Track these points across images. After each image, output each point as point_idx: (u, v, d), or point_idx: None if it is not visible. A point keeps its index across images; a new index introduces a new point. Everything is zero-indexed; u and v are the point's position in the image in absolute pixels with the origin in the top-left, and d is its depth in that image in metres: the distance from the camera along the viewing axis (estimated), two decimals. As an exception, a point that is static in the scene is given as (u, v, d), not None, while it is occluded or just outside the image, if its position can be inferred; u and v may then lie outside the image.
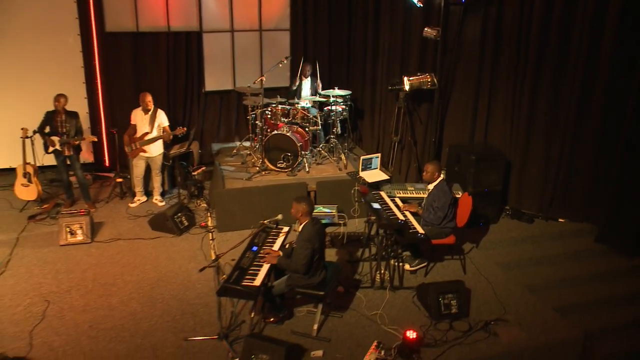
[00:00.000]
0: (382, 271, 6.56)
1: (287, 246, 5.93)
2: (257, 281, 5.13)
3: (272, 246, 5.75)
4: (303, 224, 5.53)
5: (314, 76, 9.49)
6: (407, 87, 8.37)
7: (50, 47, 9.24)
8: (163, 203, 8.68)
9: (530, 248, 7.55)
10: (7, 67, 9.17)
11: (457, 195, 7.11)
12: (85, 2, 9.18)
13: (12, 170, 8.93)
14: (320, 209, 7.73)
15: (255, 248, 5.66)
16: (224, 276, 5.20)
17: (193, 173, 8.95)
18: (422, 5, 8.08)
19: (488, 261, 7.17)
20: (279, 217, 5.80)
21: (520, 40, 7.68)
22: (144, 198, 8.79)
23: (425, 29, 8.08)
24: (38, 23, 9.11)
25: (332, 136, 9.14)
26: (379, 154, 7.98)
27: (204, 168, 9.02)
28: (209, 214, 8.33)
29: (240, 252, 5.62)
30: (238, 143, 9.71)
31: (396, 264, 6.74)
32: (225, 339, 5.47)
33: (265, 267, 5.37)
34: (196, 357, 5.35)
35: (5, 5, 8.90)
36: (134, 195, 8.83)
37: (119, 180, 8.98)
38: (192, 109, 9.99)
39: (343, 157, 8.89)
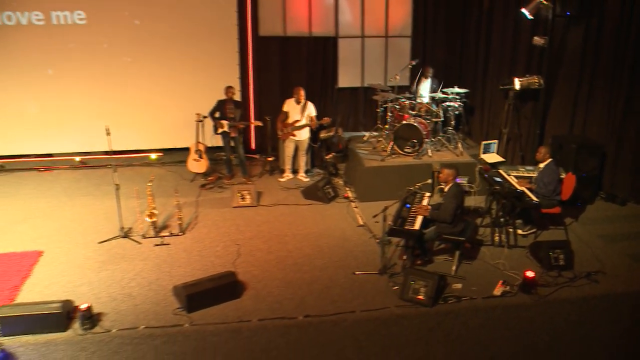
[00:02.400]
0: (500, 234, 8.12)
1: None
2: (416, 226, 6.87)
3: (421, 203, 7.45)
4: (449, 185, 7.22)
5: (433, 77, 11.08)
6: (517, 87, 9.86)
7: (213, 47, 11.22)
8: (307, 179, 10.47)
9: (625, 225, 8.72)
10: (181, 64, 11.21)
11: (562, 176, 8.58)
12: (244, 11, 11.10)
13: (178, 150, 10.99)
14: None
15: (408, 205, 7.36)
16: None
17: (326, 157, 10.76)
18: (532, 17, 9.57)
19: (586, 232, 8.53)
20: (429, 181, 7.49)
21: (618, 46, 8.99)
22: (291, 175, 10.61)
23: (534, 37, 9.56)
24: (205, 28, 11.11)
25: (449, 128, 10.72)
26: (497, 140, 9.55)
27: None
28: (347, 188, 10.08)
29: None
30: (366, 132, 11.39)
31: (510, 230, 8.27)
32: (384, 274, 7.19)
33: (420, 218, 7.07)
34: (363, 285, 7.08)
35: (178, 15, 10.95)
36: (282, 172, 10.68)
37: (269, 159, 10.87)
38: (326, 102, 11.75)
39: (459, 145, 10.44)
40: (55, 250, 7.96)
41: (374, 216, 7.26)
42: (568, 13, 9.42)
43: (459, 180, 7.49)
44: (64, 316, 6.19)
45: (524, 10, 9.39)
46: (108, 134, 7.98)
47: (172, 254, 7.84)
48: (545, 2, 9.09)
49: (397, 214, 7.21)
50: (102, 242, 8.14)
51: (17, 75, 10.86)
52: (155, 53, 11.11)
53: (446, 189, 7.30)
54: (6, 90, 10.85)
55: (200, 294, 6.50)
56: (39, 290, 6.97)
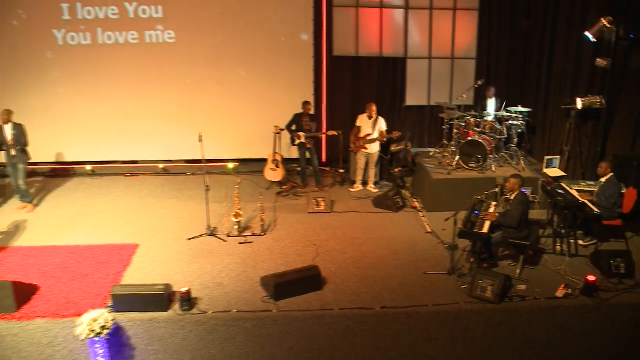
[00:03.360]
0: (562, 243, 8.60)
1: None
2: (485, 229, 7.45)
3: (488, 210, 8.03)
4: (515, 194, 7.79)
5: (496, 96, 11.64)
6: (579, 106, 10.34)
7: (290, 65, 12.03)
8: (376, 190, 11.12)
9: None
10: (259, 80, 12.07)
11: (623, 191, 9.00)
12: (320, 32, 11.92)
13: (252, 161, 11.94)
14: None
15: (476, 212, 7.95)
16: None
17: (394, 171, 11.42)
18: (595, 40, 10.06)
19: (647, 245, 8.96)
20: (496, 189, 8.08)
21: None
22: (361, 187, 11.29)
23: (597, 59, 10.04)
24: (283, 47, 11.96)
25: (512, 145, 11.24)
26: (559, 156, 10.05)
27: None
28: (414, 200, 10.70)
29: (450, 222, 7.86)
30: (432, 149, 11.99)
31: (572, 240, 8.72)
32: (453, 274, 7.78)
33: (487, 223, 7.66)
34: (434, 284, 7.68)
35: (259, 35, 11.85)
36: (353, 183, 11.38)
37: (341, 171, 11.58)
38: (394, 120, 12.40)
39: (522, 161, 10.94)
40: (150, 244, 8.85)
41: (446, 219, 7.88)
42: (632, 36, 9.88)
43: (524, 191, 8.04)
44: (165, 298, 7.00)
45: (587, 33, 9.89)
46: (200, 140, 8.85)
47: (255, 251, 8.61)
48: (608, 26, 9.58)
49: (467, 219, 7.81)
50: (191, 238, 8.98)
51: (111, 90, 11.96)
52: (235, 70, 12.03)
53: (512, 197, 7.86)
54: (100, 102, 11.95)
55: (286, 284, 7.21)
56: (139, 277, 7.83)
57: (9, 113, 9.76)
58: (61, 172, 12.22)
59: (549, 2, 11.47)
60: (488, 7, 12.11)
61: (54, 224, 9.61)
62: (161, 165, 12.34)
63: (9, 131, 9.79)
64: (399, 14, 12.10)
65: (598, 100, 10.22)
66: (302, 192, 11.04)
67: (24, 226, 9.54)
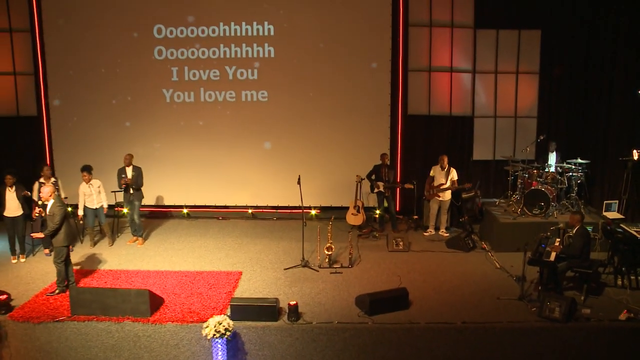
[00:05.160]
0: (622, 279, 9.52)
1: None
2: (552, 258, 8.53)
3: (554, 243, 9.11)
4: (577, 228, 8.86)
5: (557, 150, 12.76)
6: (635, 157, 11.37)
7: (369, 121, 13.47)
8: (447, 234, 12.26)
9: None
10: (341, 135, 13.53)
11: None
12: (396, 93, 13.38)
13: (331, 209, 13.24)
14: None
15: (544, 245, 9.03)
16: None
17: (462, 219, 12.56)
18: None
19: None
20: (561, 225, 9.16)
21: None
22: (434, 231, 12.46)
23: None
24: (362, 105, 13.43)
25: (572, 195, 12.27)
26: (617, 201, 11.06)
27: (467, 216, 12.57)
28: (483, 242, 11.79)
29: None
30: (497, 199, 13.12)
31: (633, 277, 9.62)
32: (523, 299, 8.81)
33: (554, 254, 8.72)
34: (507, 306, 8.73)
35: (341, 93, 13.41)
36: (426, 228, 12.56)
37: (415, 217, 12.79)
38: (462, 172, 13.56)
39: (582, 209, 11.92)
40: (251, 272, 10.23)
41: (517, 249, 8.97)
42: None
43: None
44: (276, 309, 8.24)
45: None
46: (298, 183, 10.27)
47: (346, 279, 9.85)
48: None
49: (535, 250, 8.91)
50: (287, 268, 10.30)
51: (207, 141, 13.72)
52: (320, 126, 13.58)
53: (574, 232, 8.94)
54: (197, 152, 13.73)
55: (379, 301, 8.40)
56: (247, 296, 9.10)
57: (131, 157, 11.54)
58: (159, 214, 13.84)
59: (604, 63, 12.65)
60: (547, 71, 13.36)
61: (164, 255, 11.15)
62: (250, 210, 13.75)
63: (129, 172, 11.43)
64: (466, 78, 13.51)
65: (653, 152, 11.23)
66: (380, 235, 12.25)
67: (139, 255, 11.14)
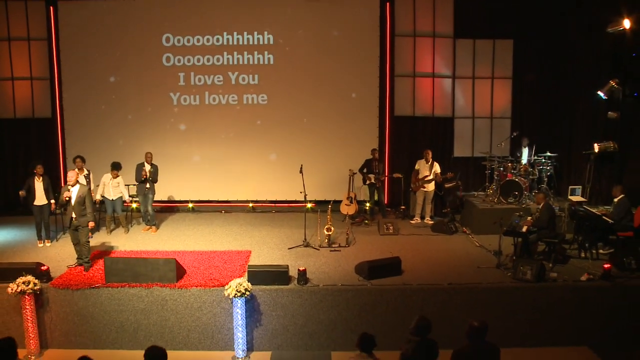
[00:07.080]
0: (585, 252, 10.92)
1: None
2: (524, 229, 9.90)
3: (525, 219, 10.49)
4: (542, 204, 10.29)
5: (529, 145, 14.19)
6: (596, 150, 12.81)
7: (359, 122, 14.88)
8: (432, 222, 13.59)
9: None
10: (334, 134, 14.91)
11: (633, 211, 11.33)
12: (384, 96, 14.78)
13: (325, 202, 14.37)
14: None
15: (517, 220, 10.41)
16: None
17: (444, 210, 13.90)
18: (607, 97, 12.62)
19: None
20: (530, 204, 10.56)
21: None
22: (420, 220, 13.79)
23: (609, 112, 12.59)
24: (353, 107, 14.85)
25: (542, 185, 13.68)
26: (580, 186, 12.51)
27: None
28: (464, 228, 13.14)
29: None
30: (475, 192, 14.51)
31: (594, 251, 10.97)
32: (500, 267, 10.16)
33: (525, 227, 10.11)
34: (486, 273, 10.05)
35: (335, 96, 14.78)
36: (412, 217, 13.89)
37: (402, 207, 14.12)
38: (444, 168, 14.77)
39: (551, 198, 13.35)
40: (259, 251, 11.43)
41: (494, 223, 10.34)
42: (636, 94, 12.43)
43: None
44: (287, 274, 9.47)
45: (600, 92, 12.52)
46: (301, 171, 11.56)
47: (344, 255, 11.13)
48: (616, 86, 12.19)
49: (510, 225, 10.28)
50: (291, 248, 11.53)
51: (211, 141, 15.02)
52: (315, 126, 14.95)
53: (540, 207, 10.36)
54: (201, 151, 15.04)
55: (377, 267, 9.70)
56: (259, 270, 10.32)
57: (151, 155, 12.68)
58: (166, 209, 15.01)
59: (567, 69, 14.22)
60: (519, 76, 14.89)
61: (178, 239, 12.30)
62: (250, 204, 14.97)
63: (147, 168, 12.63)
64: (447, 82, 14.98)
65: (611, 144, 12.64)
66: (371, 222, 13.54)
67: (155, 240, 12.31)
